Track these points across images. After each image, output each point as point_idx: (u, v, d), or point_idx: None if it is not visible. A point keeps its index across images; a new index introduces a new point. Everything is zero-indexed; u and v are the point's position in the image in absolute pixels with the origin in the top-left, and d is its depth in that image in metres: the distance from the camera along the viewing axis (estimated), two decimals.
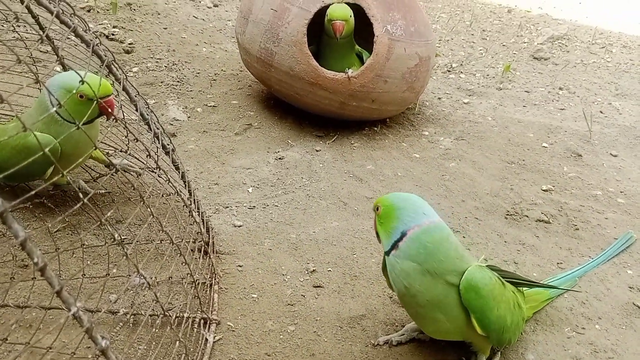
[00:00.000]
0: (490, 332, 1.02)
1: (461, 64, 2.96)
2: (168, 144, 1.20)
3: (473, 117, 2.34)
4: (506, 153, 2.07)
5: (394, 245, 1.00)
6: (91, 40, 0.98)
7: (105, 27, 2.53)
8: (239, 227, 1.50)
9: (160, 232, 1.34)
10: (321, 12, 1.86)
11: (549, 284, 1.28)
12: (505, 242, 1.56)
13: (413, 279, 0.99)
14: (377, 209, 1.05)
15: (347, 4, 1.87)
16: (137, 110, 1.08)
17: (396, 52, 1.87)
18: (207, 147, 1.89)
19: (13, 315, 1.07)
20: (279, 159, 1.87)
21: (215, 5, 3.28)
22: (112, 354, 0.76)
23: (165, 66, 2.37)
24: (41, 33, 1.12)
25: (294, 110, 2.15)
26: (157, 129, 1.14)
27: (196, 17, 3.01)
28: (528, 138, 2.21)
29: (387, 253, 1.02)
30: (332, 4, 1.86)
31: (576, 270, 1.41)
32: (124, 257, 1.19)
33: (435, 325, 1.03)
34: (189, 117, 2.06)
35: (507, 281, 1.12)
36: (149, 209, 0.92)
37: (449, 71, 2.86)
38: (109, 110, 1.15)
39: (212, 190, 1.66)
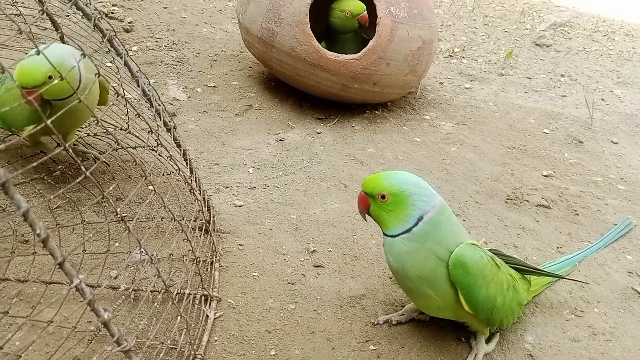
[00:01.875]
0: (478, 311, 1.02)
1: (463, 49, 2.95)
2: (169, 122, 1.19)
3: (474, 102, 2.33)
4: (507, 138, 2.06)
5: (407, 230, 1.00)
6: (92, 14, 0.97)
7: (104, 6, 2.50)
8: (240, 207, 1.49)
9: (161, 209, 1.33)
10: None
11: (550, 270, 1.28)
12: (506, 226, 1.56)
13: (408, 256, 0.99)
14: (384, 197, 1.00)
15: None
16: (138, 86, 1.07)
17: (399, 34, 1.85)
18: (208, 127, 1.88)
19: (14, 289, 1.06)
20: (280, 140, 1.86)
21: None
22: (114, 327, 0.76)
23: (165, 46, 2.34)
24: (41, 7, 1.11)
25: (294, 92, 2.14)
26: (159, 105, 1.13)
27: None
28: (529, 124, 2.20)
29: (394, 236, 1.01)
30: None
31: (576, 255, 1.41)
32: (125, 234, 1.19)
33: (425, 301, 1.04)
34: (189, 97, 2.05)
35: (511, 267, 1.13)
36: (150, 186, 0.91)
37: (450, 56, 2.84)
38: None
39: (212, 170, 1.65)
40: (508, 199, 1.69)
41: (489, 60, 2.87)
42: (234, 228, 1.40)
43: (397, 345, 1.11)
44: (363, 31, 2.05)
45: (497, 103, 2.35)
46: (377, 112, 2.11)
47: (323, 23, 2.05)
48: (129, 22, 2.42)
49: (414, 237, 0.99)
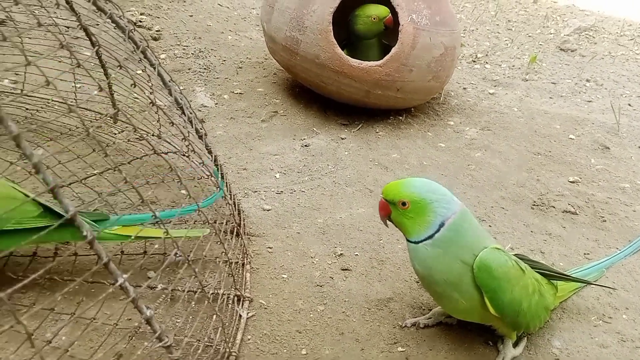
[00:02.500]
0: (504, 314, 1.04)
1: (486, 55, 2.95)
2: (200, 129, 1.23)
3: (499, 107, 2.34)
4: (532, 144, 2.07)
5: (430, 236, 1.02)
6: (126, 26, 1.01)
7: (132, 14, 2.57)
8: (268, 211, 1.53)
9: (194, 213, 1.37)
10: (346, 3, 1.88)
11: (577, 277, 1.28)
12: (532, 232, 1.57)
13: (433, 261, 1.02)
14: (404, 204, 1.02)
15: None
16: (170, 95, 1.11)
17: (421, 41, 1.88)
18: (235, 133, 1.92)
19: (59, 288, 1.11)
20: (305, 146, 1.90)
21: None
22: (156, 323, 0.79)
23: (192, 53, 2.40)
24: (78, 21, 1.16)
25: (318, 98, 2.17)
26: (190, 113, 1.18)
27: (221, 5, 3.04)
28: (554, 129, 2.20)
29: (417, 242, 1.04)
30: None
31: (603, 261, 1.41)
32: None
33: (452, 304, 1.06)
34: (217, 103, 2.10)
35: (538, 272, 1.14)
36: (184, 190, 0.95)
37: (474, 61, 2.85)
38: None
39: (240, 175, 1.69)
40: (534, 205, 1.70)
41: (513, 66, 2.87)
42: (263, 231, 1.43)
43: (425, 347, 1.13)
44: (384, 37, 2.08)
45: (522, 108, 2.35)
46: (400, 117, 2.13)
47: (345, 30, 2.08)
48: (156, 31, 2.49)
49: (437, 243, 1.01)
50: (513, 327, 1.08)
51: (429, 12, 1.88)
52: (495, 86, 2.59)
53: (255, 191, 1.62)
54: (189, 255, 1.17)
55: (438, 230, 1.01)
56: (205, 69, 2.29)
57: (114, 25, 1.07)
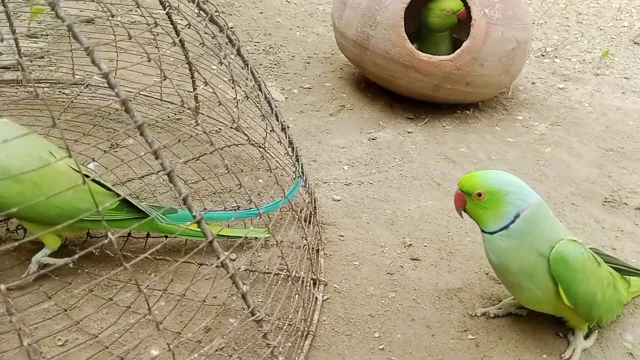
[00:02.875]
0: (578, 305, 1.05)
1: (556, 49, 2.89)
2: (283, 122, 1.30)
3: (569, 102, 2.29)
4: (604, 140, 2.02)
5: (505, 227, 1.04)
6: (224, 26, 1.09)
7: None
8: (338, 201, 1.59)
9: (270, 201, 1.45)
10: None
11: None
12: (603, 228, 1.55)
13: (508, 252, 1.04)
14: (480, 195, 1.05)
15: None
16: (261, 91, 1.18)
17: (493, 35, 1.88)
18: (305, 126, 1.99)
19: (150, 267, 1.22)
20: (372, 139, 1.94)
21: None
22: (250, 298, 0.87)
23: (263, 49, 2.49)
24: (174, 33, 1.25)
25: (384, 92, 2.21)
26: (275, 107, 1.25)
27: (289, 2, 3.12)
28: (627, 125, 2.14)
29: (492, 232, 1.06)
30: None
31: None
32: (240, 222, 1.32)
33: (525, 294, 1.08)
34: (286, 98, 2.17)
35: (612, 267, 1.14)
36: (275, 178, 1.03)
37: (542, 55, 2.80)
38: None
39: (311, 166, 1.76)
40: (605, 202, 1.67)
41: (584, 60, 2.79)
42: (334, 220, 1.49)
43: (495, 336, 1.16)
44: (454, 30, 2.09)
45: (593, 104, 2.30)
46: (468, 112, 2.14)
47: (413, 25, 2.09)
48: (229, 28, 2.59)
49: (512, 234, 1.04)
50: (586, 318, 1.09)
51: (501, 6, 1.88)
52: (565, 81, 2.53)
53: (325, 182, 1.68)
54: (278, 240, 1.25)
55: (513, 221, 1.03)
56: (275, 64, 2.38)
57: (206, 24, 1.16)
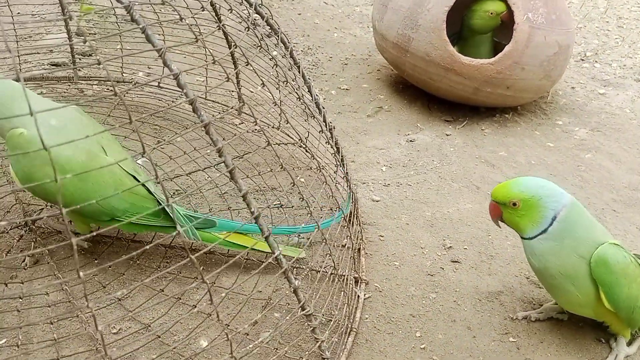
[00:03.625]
0: (620, 309, 1.05)
1: (596, 53, 2.85)
2: (330, 123, 1.33)
3: (609, 108, 2.27)
4: None
5: (544, 230, 1.06)
6: (279, 29, 1.12)
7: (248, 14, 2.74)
8: (377, 201, 1.61)
9: (310, 198, 1.48)
10: (459, 1, 1.91)
11: None
12: None
13: (549, 255, 1.06)
14: (515, 204, 1.07)
15: None
16: (309, 91, 1.21)
17: (536, 40, 1.87)
18: (343, 127, 2.01)
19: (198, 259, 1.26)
20: (410, 141, 1.95)
21: None
22: (301, 293, 0.90)
23: (302, 50, 2.52)
24: (217, 18, 1.29)
25: (422, 94, 2.22)
26: (323, 108, 1.28)
27: (326, 3, 3.15)
28: None
29: (531, 238, 1.07)
30: None
31: None
32: (283, 218, 1.35)
33: (566, 297, 1.10)
34: (325, 99, 2.20)
35: None
36: (324, 177, 1.06)
37: (582, 60, 2.76)
38: None
39: (349, 167, 1.78)
40: None
41: (624, 65, 2.75)
42: (374, 221, 1.52)
43: (536, 339, 1.17)
44: (494, 33, 2.09)
45: (635, 110, 2.27)
46: (507, 115, 2.13)
47: (453, 27, 2.10)
48: (269, 29, 2.64)
49: (552, 237, 1.05)
50: (628, 323, 1.09)
51: (545, 10, 1.87)
52: (605, 86, 2.50)
53: (364, 183, 1.70)
54: (309, 239, 1.28)
55: (551, 224, 1.05)
56: (313, 65, 2.41)
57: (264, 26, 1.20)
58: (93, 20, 2.33)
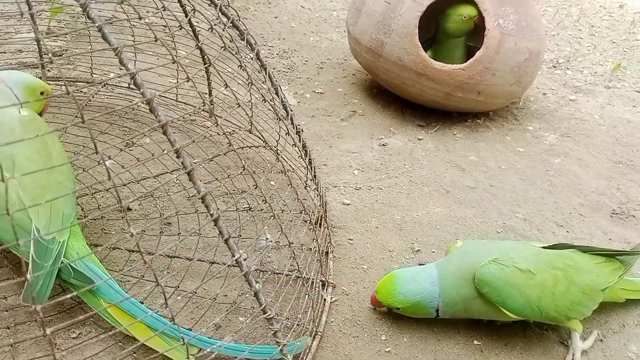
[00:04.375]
0: (527, 316, 1.10)
1: (568, 60, 2.90)
2: (297, 126, 1.32)
3: (579, 114, 2.30)
4: (614, 153, 2.03)
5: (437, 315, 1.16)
6: (245, 30, 1.12)
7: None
8: (348, 205, 1.61)
9: (279, 202, 1.48)
10: (434, 6, 1.92)
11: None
12: (610, 239, 1.56)
13: (459, 308, 1.14)
14: (398, 309, 1.16)
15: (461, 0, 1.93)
16: (277, 94, 1.21)
17: (506, 46, 1.89)
18: (316, 130, 2.01)
19: (162, 264, 1.24)
20: (382, 145, 1.96)
21: None
22: (262, 297, 0.89)
23: (277, 54, 2.52)
24: (187, 18, 1.28)
25: (396, 99, 2.23)
26: (291, 110, 1.28)
27: (303, 7, 3.15)
28: (637, 139, 2.15)
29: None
30: None
31: None
32: (251, 222, 1.34)
33: (500, 316, 1.14)
34: (299, 102, 2.20)
35: (594, 253, 1.19)
36: (289, 180, 1.05)
37: (554, 67, 2.81)
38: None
39: (321, 170, 1.78)
40: (613, 214, 1.68)
41: (595, 72, 2.80)
42: (343, 224, 1.52)
43: (501, 342, 1.18)
44: (469, 38, 2.11)
45: (604, 116, 2.31)
46: (478, 120, 2.15)
47: (425, 33, 2.11)
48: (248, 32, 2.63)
49: (446, 311, 1.14)
50: (555, 321, 1.13)
51: (516, 17, 1.90)
52: (576, 92, 2.54)
53: (335, 186, 1.70)
54: (276, 242, 1.27)
55: (437, 315, 1.15)
56: (288, 68, 2.41)
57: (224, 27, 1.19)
58: (64, 21, 2.29)
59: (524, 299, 1.08)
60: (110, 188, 1.44)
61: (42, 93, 1.18)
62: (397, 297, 1.13)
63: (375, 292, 1.18)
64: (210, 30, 0.98)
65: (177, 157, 0.77)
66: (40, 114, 1.20)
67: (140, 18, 0.82)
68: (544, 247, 1.18)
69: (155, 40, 0.84)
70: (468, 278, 1.10)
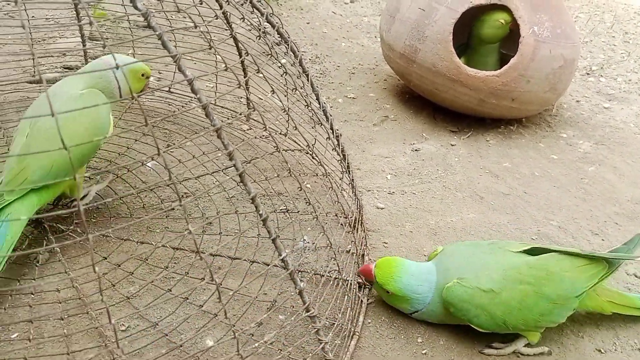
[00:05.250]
0: (496, 330, 1.13)
1: (601, 67, 2.87)
2: (337, 130, 1.36)
3: (614, 122, 2.29)
4: None
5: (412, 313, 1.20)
6: (289, 38, 1.16)
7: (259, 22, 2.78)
8: (382, 209, 1.63)
9: (316, 205, 1.51)
10: (468, 12, 1.94)
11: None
12: None
13: (433, 314, 1.19)
14: (388, 292, 1.18)
15: (495, 5, 1.93)
16: (317, 99, 1.24)
17: (541, 53, 1.90)
18: (349, 135, 2.04)
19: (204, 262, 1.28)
20: (415, 150, 1.98)
21: (352, 1, 3.45)
22: (306, 295, 0.92)
23: (310, 59, 2.56)
24: (229, 27, 1.33)
25: (427, 104, 2.24)
26: (330, 116, 1.31)
27: (335, 13, 3.19)
28: None
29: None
30: (480, 4, 1.93)
31: None
32: (289, 223, 1.38)
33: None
34: (332, 107, 2.23)
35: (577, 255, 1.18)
36: (330, 183, 1.08)
37: (587, 74, 2.79)
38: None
39: (355, 174, 1.81)
40: None
41: (629, 80, 2.77)
42: (378, 227, 1.54)
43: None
44: (502, 45, 2.11)
45: (639, 124, 2.29)
46: (511, 127, 2.15)
47: (459, 38, 2.12)
48: (278, 37, 2.68)
49: (420, 315, 1.19)
50: (524, 332, 1.16)
51: (550, 24, 1.90)
52: (610, 100, 2.52)
53: (369, 190, 1.73)
54: (313, 244, 1.30)
55: (412, 313, 1.20)
56: (321, 74, 2.44)
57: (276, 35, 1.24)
58: (105, 26, 2.37)
59: (489, 316, 1.11)
60: (153, 188, 1.49)
61: (143, 75, 1.34)
62: (395, 283, 1.16)
63: (373, 266, 1.20)
64: (258, 38, 1.01)
65: (230, 159, 0.80)
66: (142, 91, 1.38)
67: (195, 27, 0.86)
68: (524, 251, 1.19)
69: (210, 48, 0.88)
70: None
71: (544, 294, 1.11)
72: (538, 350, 1.18)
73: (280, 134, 1.79)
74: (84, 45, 1.87)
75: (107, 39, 2.34)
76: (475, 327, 1.13)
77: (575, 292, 1.14)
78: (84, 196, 1.37)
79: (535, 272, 1.13)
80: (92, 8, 2.28)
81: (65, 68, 2.06)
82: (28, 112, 1.29)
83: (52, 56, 1.99)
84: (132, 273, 1.23)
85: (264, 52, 1.32)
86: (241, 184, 0.84)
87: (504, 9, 1.95)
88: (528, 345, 1.18)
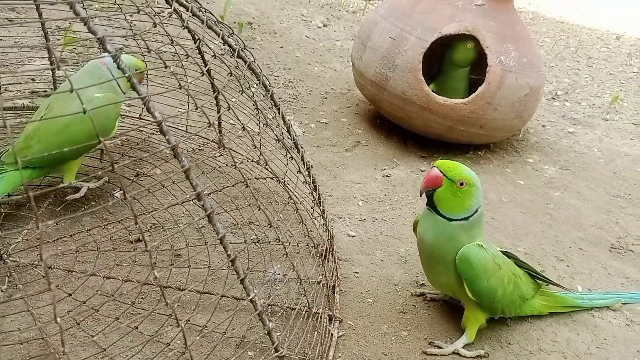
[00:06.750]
0: (481, 299, 1.21)
1: (566, 92, 2.96)
2: (308, 162, 1.36)
3: (578, 147, 2.35)
4: (612, 186, 2.07)
5: (466, 218, 1.19)
6: (260, 73, 1.16)
7: None
8: (353, 237, 1.64)
9: (286, 234, 1.51)
10: (438, 41, 1.98)
11: (588, 300, 1.42)
12: (609, 274, 1.59)
13: (448, 238, 1.19)
14: (462, 184, 1.16)
15: (464, 35, 1.98)
16: (285, 124, 1.25)
17: (508, 82, 1.95)
18: (321, 160, 2.06)
19: (173, 295, 1.27)
20: (386, 176, 2.00)
21: (325, 25, 3.49)
22: (275, 335, 0.92)
23: (283, 83, 2.58)
24: (198, 47, 1.33)
25: (399, 130, 2.28)
26: (302, 147, 1.31)
27: (308, 37, 3.23)
28: (635, 172, 2.19)
29: (452, 219, 1.18)
30: (449, 34, 1.98)
31: (625, 295, 1.49)
32: (260, 254, 1.37)
33: (436, 276, 1.28)
34: (304, 132, 2.25)
35: (527, 271, 1.33)
36: (300, 217, 1.08)
37: (553, 98, 2.87)
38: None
39: (327, 201, 1.82)
40: (612, 248, 1.72)
41: (593, 104, 2.86)
42: (349, 256, 1.54)
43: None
44: (471, 70, 2.17)
45: (602, 149, 2.36)
46: (479, 152, 2.20)
47: (430, 64, 2.17)
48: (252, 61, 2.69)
49: (467, 225, 1.18)
50: (490, 311, 1.25)
51: (517, 54, 1.96)
52: (574, 125, 2.60)
53: (341, 217, 1.74)
54: (284, 275, 1.30)
55: (472, 215, 1.19)
56: (294, 98, 2.46)
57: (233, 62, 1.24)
58: (75, 51, 2.35)
59: (487, 285, 1.19)
60: (121, 220, 1.47)
61: (136, 70, 1.47)
62: (467, 171, 1.18)
63: (436, 171, 1.17)
64: (230, 75, 1.02)
65: (199, 200, 0.80)
66: (140, 82, 1.43)
67: (165, 67, 0.86)
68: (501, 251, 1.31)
69: (180, 88, 0.88)
70: (462, 239, 1.20)
71: (518, 285, 1.27)
72: (475, 353, 1.25)
73: (252, 161, 1.80)
74: (53, 72, 1.85)
75: (77, 64, 2.31)
76: (468, 292, 1.20)
77: (526, 296, 1.31)
78: (77, 190, 1.48)
79: (513, 268, 1.29)
80: (62, 34, 2.26)
81: (33, 93, 2.02)
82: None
83: (19, 83, 1.95)
84: (98, 310, 1.20)
85: (234, 79, 1.33)
86: (210, 224, 0.84)
87: (472, 39, 2.00)
88: (467, 346, 1.26)
